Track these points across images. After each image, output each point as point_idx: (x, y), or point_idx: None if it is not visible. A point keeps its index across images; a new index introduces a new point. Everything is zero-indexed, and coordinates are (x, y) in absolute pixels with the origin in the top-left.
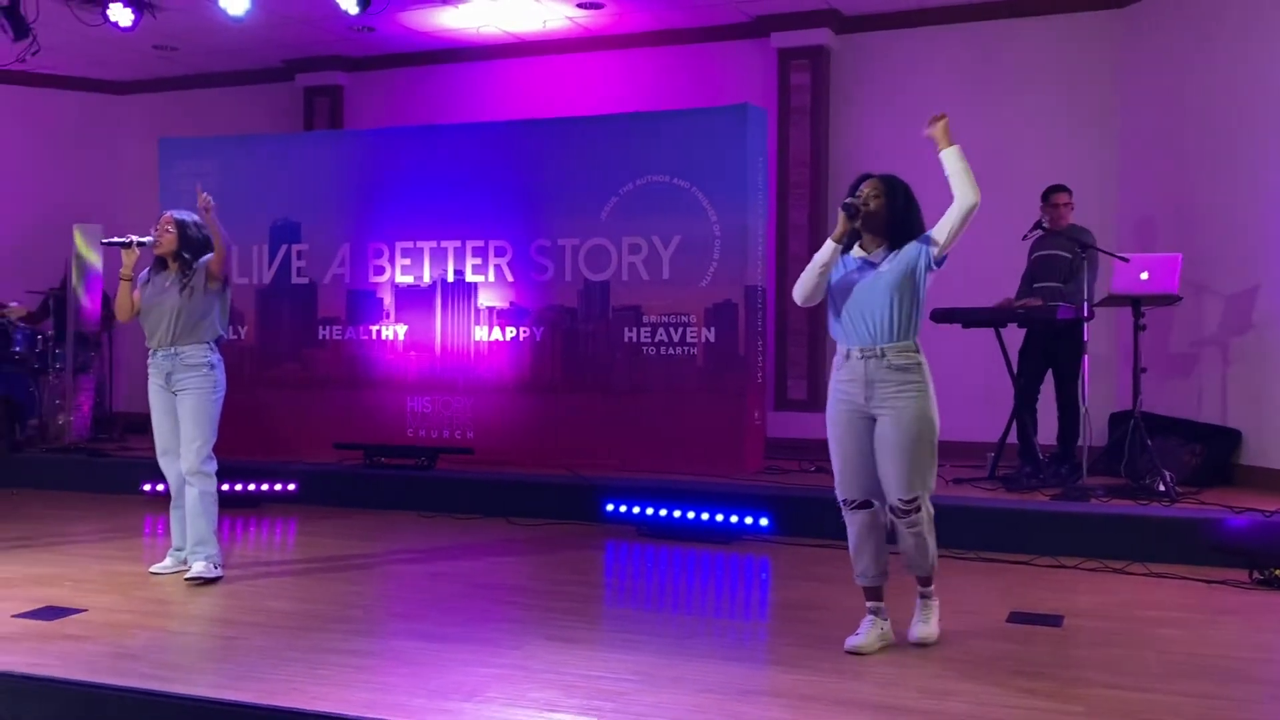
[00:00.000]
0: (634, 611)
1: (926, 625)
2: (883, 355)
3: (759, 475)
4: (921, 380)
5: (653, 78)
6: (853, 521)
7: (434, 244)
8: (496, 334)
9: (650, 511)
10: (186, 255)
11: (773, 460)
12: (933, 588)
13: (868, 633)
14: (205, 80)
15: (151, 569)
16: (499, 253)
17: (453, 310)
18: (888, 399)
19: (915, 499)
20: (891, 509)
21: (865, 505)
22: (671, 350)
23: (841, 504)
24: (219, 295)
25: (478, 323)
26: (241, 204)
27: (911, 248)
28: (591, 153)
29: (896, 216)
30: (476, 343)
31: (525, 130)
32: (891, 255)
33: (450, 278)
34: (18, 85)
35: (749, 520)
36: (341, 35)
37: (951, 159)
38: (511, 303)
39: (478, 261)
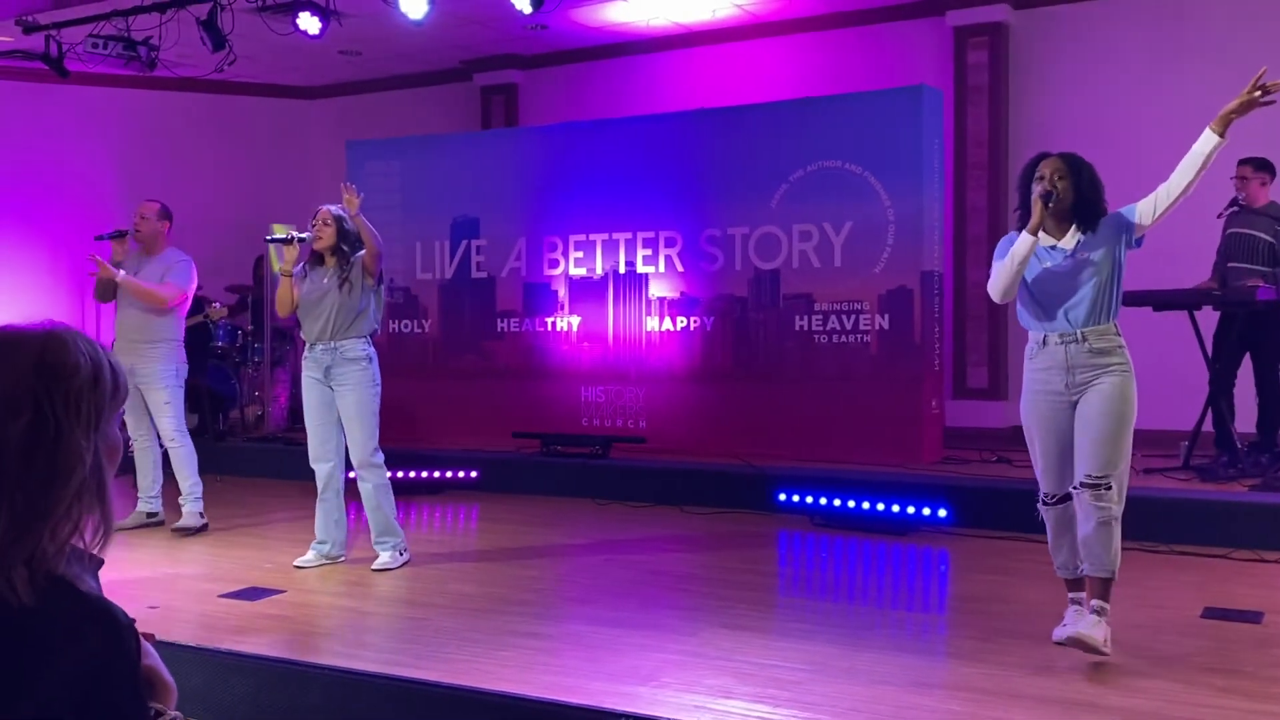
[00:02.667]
0: (808, 601)
1: (1092, 630)
2: (1083, 340)
3: (937, 465)
4: (1124, 361)
5: (823, 62)
6: (1050, 515)
7: (606, 236)
8: (667, 324)
9: (824, 501)
10: (345, 248)
11: (951, 450)
12: (1109, 604)
13: (1075, 621)
14: (387, 83)
15: (295, 563)
16: (669, 243)
17: (624, 301)
18: (1089, 380)
19: (1106, 476)
20: (1080, 484)
21: (1067, 498)
22: (844, 338)
23: (1041, 499)
24: (374, 291)
25: (649, 313)
26: (424, 202)
27: (1108, 228)
28: (761, 140)
29: (1083, 197)
30: (648, 333)
31: (694, 120)
32: (1084, 238)
33: (622, 269)
34: (216, 94)
35: (927, 511)
36: (516, 34)
37: (1210, 143)
38: (682, 293)
39: (648, 253)
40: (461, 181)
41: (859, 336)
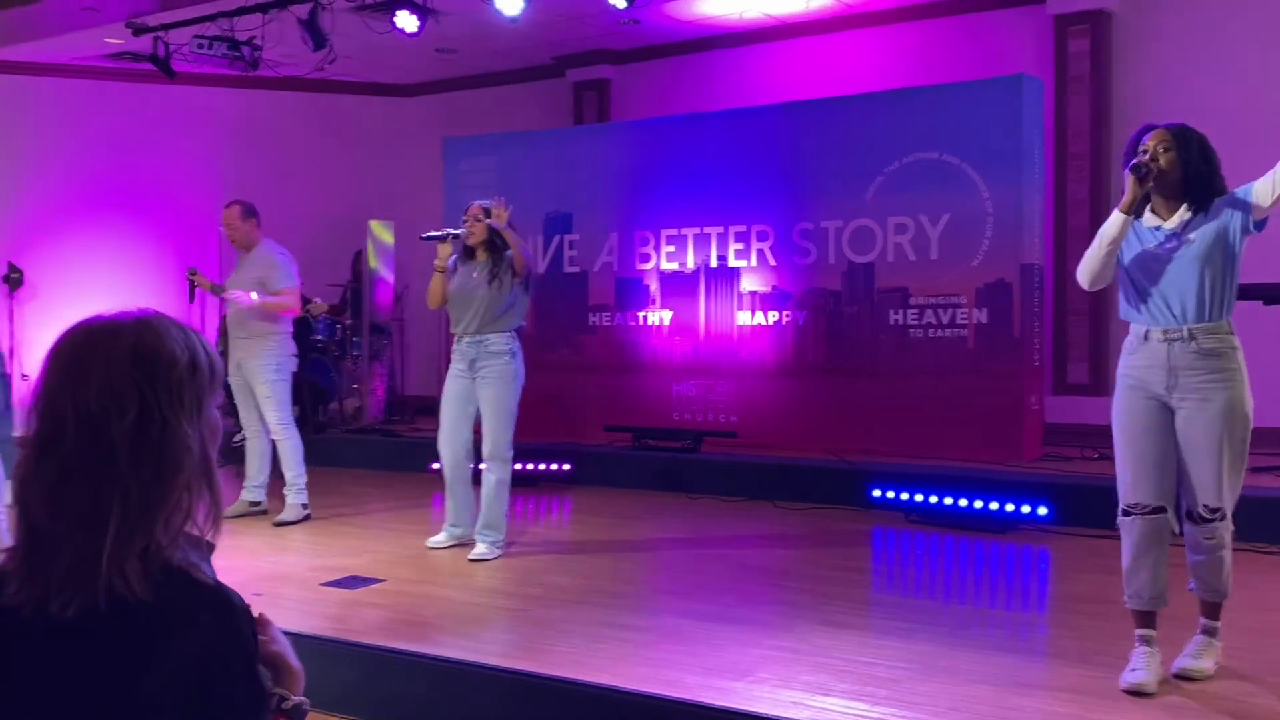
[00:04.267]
0: (904, 599)
1: (1198, 660)
2: (1191, 338)
3: (1037, 462)
4: (1236, 367)
5: (919, 52)
6: (1132, 530)
7: (698, 230)
8: (759, 318)
9: (919, 498)
10: (497, 243)
11: (1051, 447)
12: (1219, 623)
13: (1147, 665)
14: (482, 80)
15: (428, 543)
16: (761, 237)
17: (716, 295)
18: (1195, 389)
19: (1221, 508)
20: (1189, 514)
21: (1156, 511)
22: (940, 332)
23: (1124, 509)
24: (522, 288)
25: (740, 307)
26: (518, 197)
27: (1221, 210)
28: (855, 132)
29: (1192, 172)
30: (739, 327)
31: (787, 113)
32: (1195, 219)
33: (713, 263)
34: (315, 92)
35: (1026, 509)
36: (609, 29)
37: None
38: (774, 287)
39: (740, 246)
40: (554, 177)
41: (956, 331)
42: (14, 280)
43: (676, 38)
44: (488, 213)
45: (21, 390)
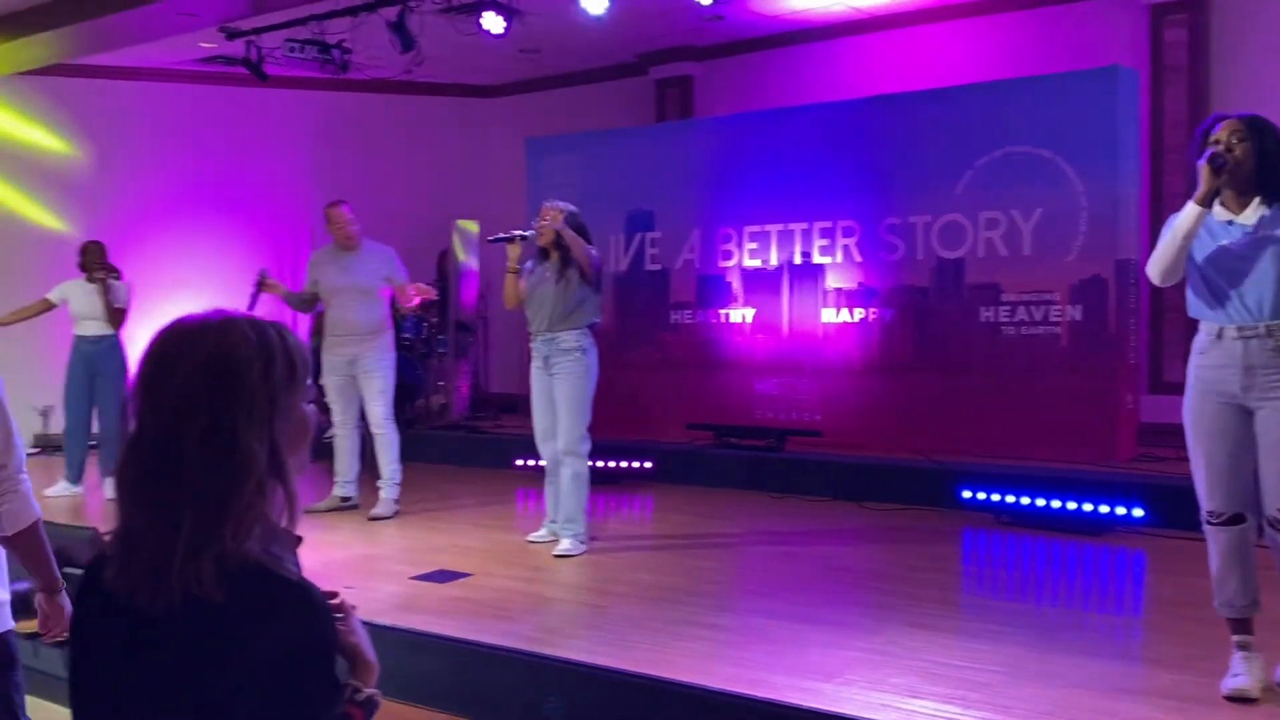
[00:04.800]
0: (996, 601)
1: None
2: (1268, 334)
3: (1132, 463)
4: None
5: (1008, 44)
6: (1218, 539)
7: (781, 227)
8: (844, 315)
9: (1010, 499)
10: (563, 244)
11: (1147, 447)
12: None
13: (1248, 670)
14: (565, 79)
15: (529, 537)
16: (847, 233)
17: (800, 292)
18: (1273, 388)
19: None
20: (1270, 521)
21: (1235, 520)
22: (1033, 330)
23: (1205, 516)
24: (591, 287)
25: (825, 304)
26: (600, 196)
27: None
28: (944, 126)
29: (1268, 164)
30: (824, 324)
31: (873, 107)
32: (1270, 212)
33: (797, 260)
34: (402, 94)
35: (1121, 510)
36: (693, 26)
37: None
38: (860, 283)
39: (825, 243)
40: (636, 175)
41: (1049, 328)
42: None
43: (760, 33)
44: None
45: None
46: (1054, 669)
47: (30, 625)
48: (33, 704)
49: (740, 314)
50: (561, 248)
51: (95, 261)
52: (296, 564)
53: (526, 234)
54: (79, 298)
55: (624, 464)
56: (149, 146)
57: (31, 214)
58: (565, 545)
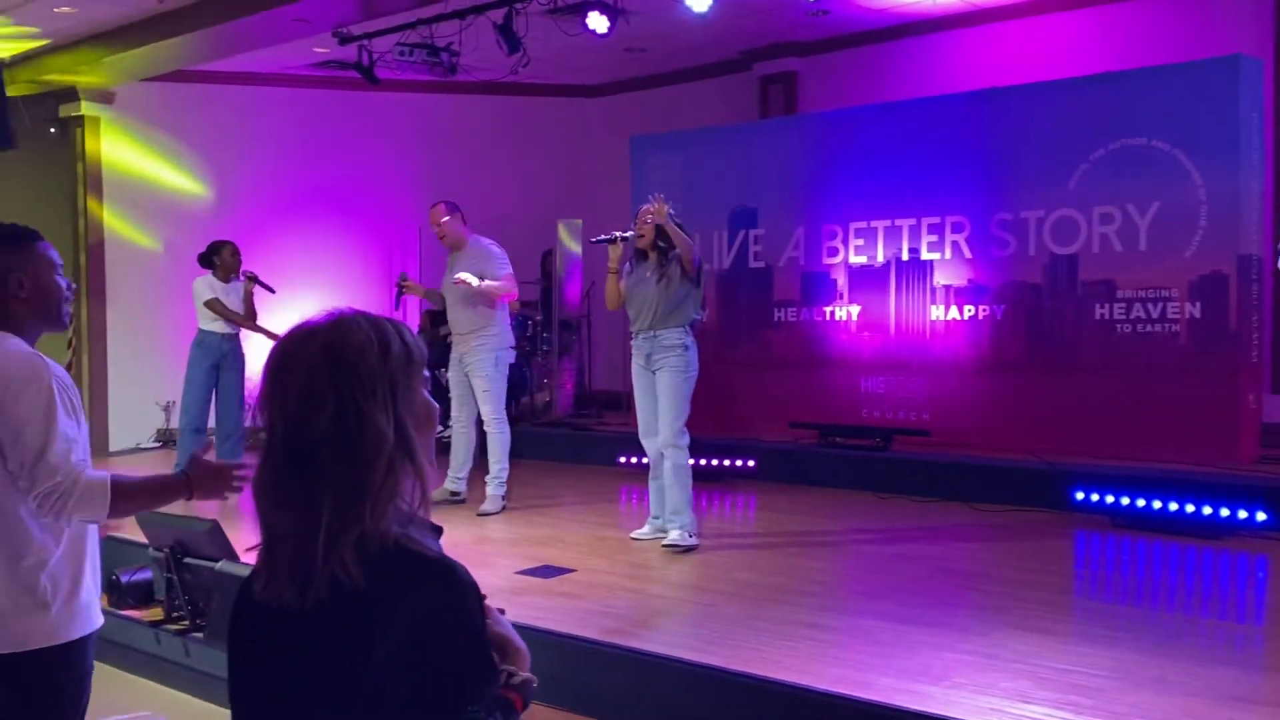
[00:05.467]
0: (1109, 606)
1: None
2: None
3: (1255, 465)
4: None
5: (1123, 34)
6: None
7: (888, 223)
8: (953, 313)
9: (1126, 501)
10: (661, 244)
11: (1270, 449)
12: None
13: None
14: (669, 77)
15: (632, 534)
16: (956, 229)
17: (907, 289)
18: None
19: None
20: None
21: None
22: (1149, 327)
23: None
24: (693, 283)
25: (933, 301)
26: (703, 193)
27: None
28: (1057, 119)
29: None
30: (932, 322)
31: (983, 101)
32: None
33: (905, 256)
34: (509, 95)
35: (1243, 514)
36: (797, 21)
37: None
38: (969, 280)
39: (933, 239)
40: (740, 172)
41: (1166, 325)
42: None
43: (867, 27)
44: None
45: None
46: (1169, 676)
47: (155, 613)
48: (160, 692)
49: (845, 311)
50: (660, 248)
51: (238, 261)
52: (437, 546)
53: (627, 235)
54: (208, 295)
55: (726, 462)
56: (265, 150)
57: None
58: (674, 536)
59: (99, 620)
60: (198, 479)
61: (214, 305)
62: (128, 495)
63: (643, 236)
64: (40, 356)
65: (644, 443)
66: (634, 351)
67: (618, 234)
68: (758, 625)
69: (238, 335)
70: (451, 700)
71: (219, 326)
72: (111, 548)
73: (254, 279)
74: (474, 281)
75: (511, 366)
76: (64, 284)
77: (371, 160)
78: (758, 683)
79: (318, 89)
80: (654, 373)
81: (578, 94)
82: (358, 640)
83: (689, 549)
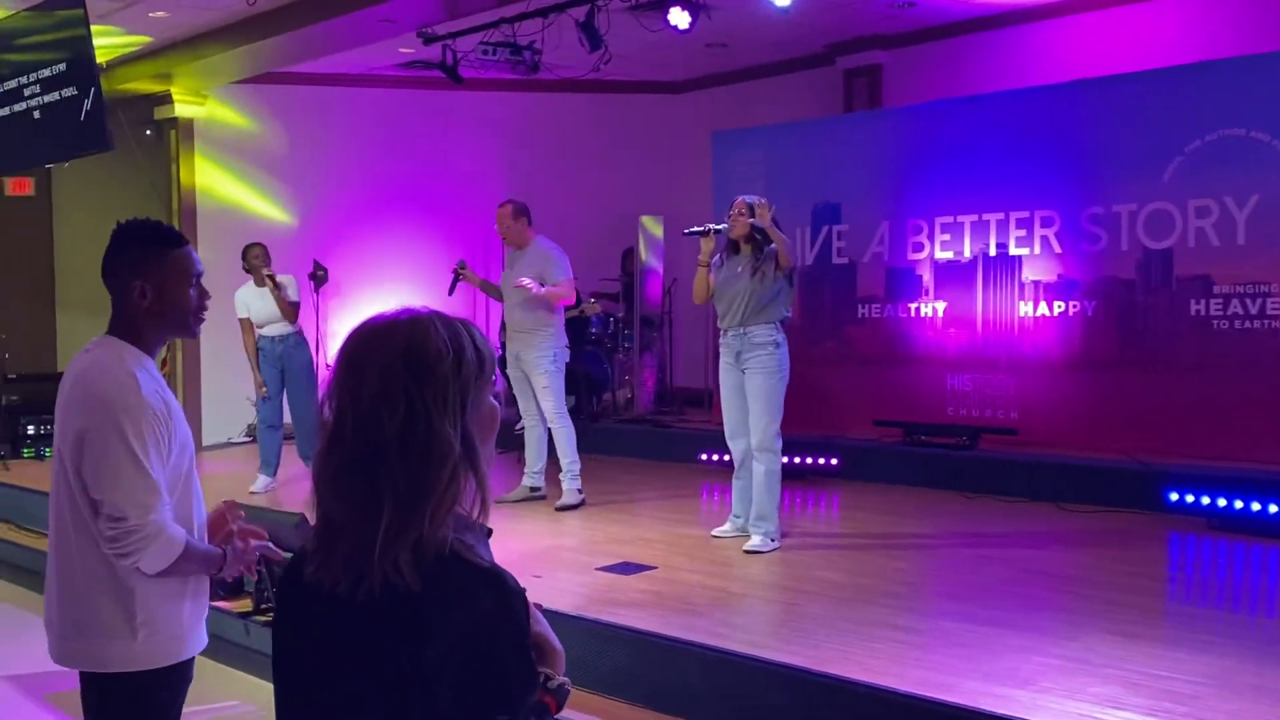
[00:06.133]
0: (1205, 610)
1: None
2: None
3: None
4: None
5: (1218, 22)
6: None
7: (975, 218)
8: (1043, 309)
9: (1223, 502)
10: (758, 236)
11: None
12: None
13: None
14: (751, 72)
15: (713, 532)
16: (1045, 223)
17: (995, 285)
18: None
19: None
20: None
21: None
22: (1248, 324)
23: None
24: (786, 280)
25: (1022, 297)
26: (786, 188)
27: None
28: (1150, 110)
29: None
30: (1020, 318)
31: (1073, 92)
32: None
33: (992, 251)
34: (591, 93)
35: None
36: (882, 14)
37: None
38: (1059, 275)
39: (1022, 234)
40: (823, 167)
41: (1266, 322)
42: (320, 278)
43: (952, 19)
44: (752, 210)
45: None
46: (1267, 683)
47: (244, 604)
48: (248, 682)
49: (931, 307)
50: (755, 240)
51: (260, 263)
52: (489, 553)
53: (720, 228)
54: (254, 303)
55: (809, 460)
56: (353, 150)
57: (256, 208)
58: (755, 541)
59: (194, 648)
60: (231, 559)
61: (244, 328)
62: (187, 558)
63: (735, 227)
64: (138, 378)
65: (730, 444)
66: (723, 349)
67: (710, 226)
68: (840, 625)
69: (294, 333)
70: (495, 705)
71: (271, 330)
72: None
73: (270, 276)
74: (535, 288)
75: (593, 363)
76: (196, 296)
77: (454, 158)
78: (839, 683)
79: (402, 89)
80: (743, 372)
81: (659, 90)
82: (407, 641)
83: (771, 551)
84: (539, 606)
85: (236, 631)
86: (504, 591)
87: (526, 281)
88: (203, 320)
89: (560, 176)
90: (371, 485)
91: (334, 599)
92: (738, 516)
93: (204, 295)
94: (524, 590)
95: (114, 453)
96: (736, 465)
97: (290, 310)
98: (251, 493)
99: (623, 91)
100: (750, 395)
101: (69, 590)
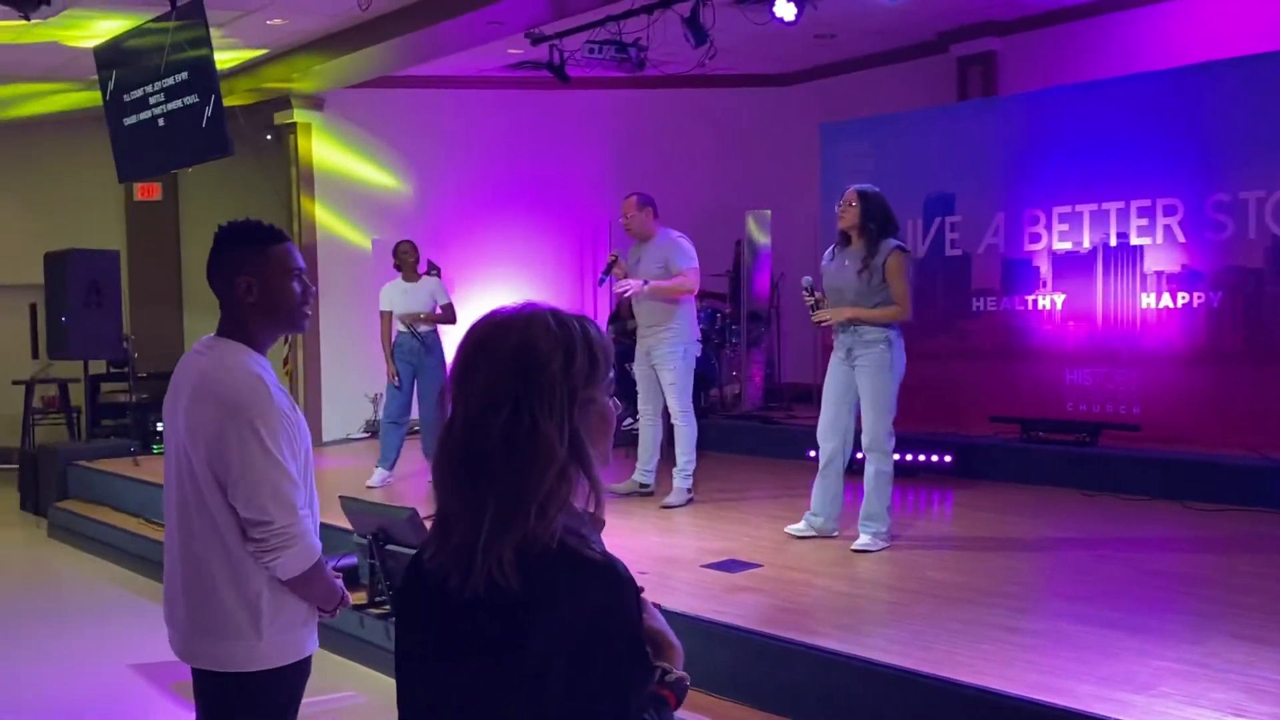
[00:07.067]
0: None
1: None
2: None
3: None
4: None
5: None
6: None
7: (1094, 207)
8: (1166, 300)
9: None
10: (871, 227)
11: None
12: None
13: None
14: (860, 63)
15: (787, 529)
16: (1168, 211)
17: (1115, 276)
18: None
19: None
20: None
21: None
22: None
23: None
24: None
25: (1144, 289)
26: (897, 180)
27: None
28: (1278, 92)
29: None
30: (1143, 310)
31: (1195, 76)
32: None
33: (1112, 241)
34: (697, 88)
35: None
36: (995, 0)
37: None
38: (1183, 266)
39: (1143, 223)
40: (935, 157)
41: None
42: (434, 276)
43: (1067, 3)
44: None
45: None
46: None
47: (359, 597)
48: (364, 674)
49: (1049, 300)
50: (869, 232)
51: (411, 260)
52: (601, 544)
53: (613, 255)
54: (398, 299)
55: (922, 458)
56: (462, 149)
57: (350, 235)
58: (864, 540)
59: (311, 647)
60: (345, 601)
61: (383, 320)
62: (319, 572)
63: (843, 218)
64: (265, 379)
65: (820, 441)
66: (835, 345)
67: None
68: (950, 626)
69: (430, 334)
70: (609, 695)
71: (404, 327)
72: (321, 534)
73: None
74: (638, 287)
75: (700, 359)
76: (300, 289)
77: (563, 156)
78: (948, 686)
79: (511, 89)
80: (854, 369)
81: (766, 84)
82: (513, 635)
83: (881, 550)
84: (657, 606)
85: (352, 624)
86: (614, 581)
87: (631, 285)
88: (308, 315)
89: (667, 172)
90: (479, 481)
91: (446, 590)
92: (815, 515)
93: (307, 288)
94: (634, 580)
95: (253, 455)
96: (822, 464)
97: (447, 311)
98: (368, 486)
99: (728, 86)
100: (862, 393)
101: (194, 592)
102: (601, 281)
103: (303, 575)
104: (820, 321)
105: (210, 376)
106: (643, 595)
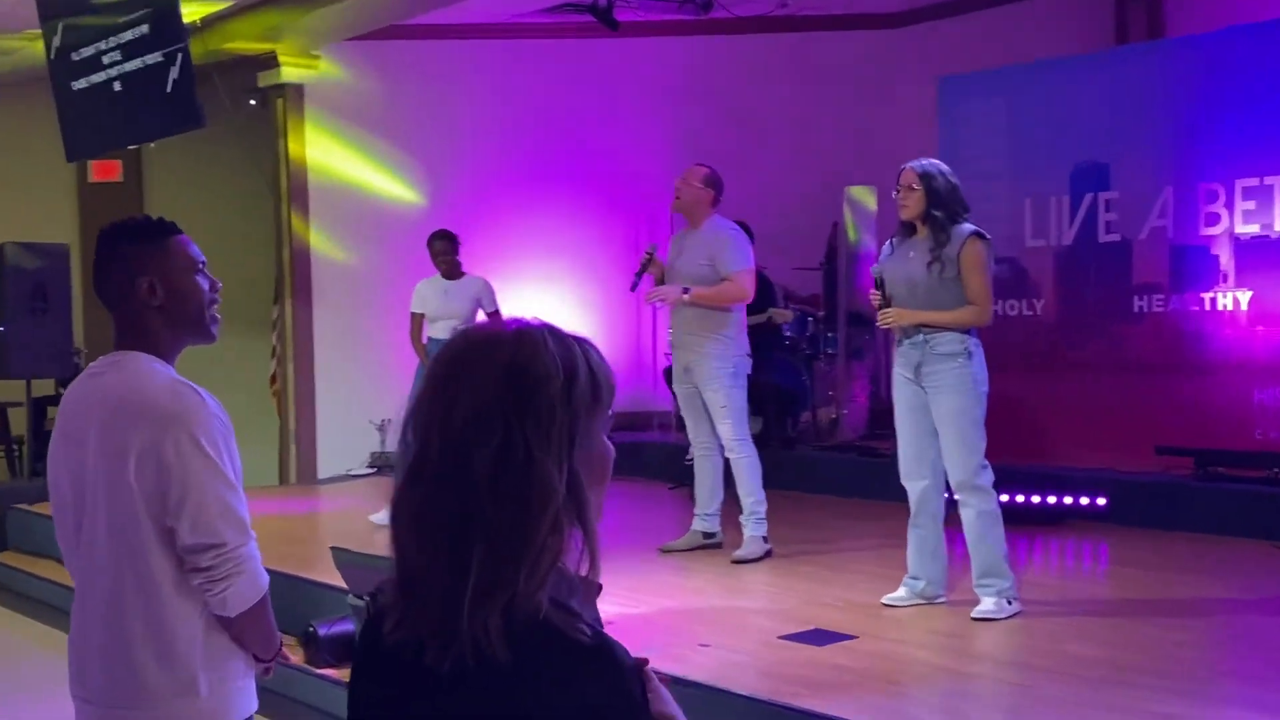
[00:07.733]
0: None
1: None
2: None
3: None
4: None
5: None
6: None
7: None
8: None
9: None
10: (938, 214)
11: None
12: None
13: None
14: (990, 0)
15: (884, 599)
16: None
17: None
18: None
19: None
20: None
21: None
22: None
23: None
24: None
25: None
26: (1035, 146)
27: None
28: None
29: None
30: None
31: None
32: None
33: None
34: (779, 32)
35: None
36: None
37: None
38: None
39: None
40: (1085, 118)
41: None
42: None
43: None
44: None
45: None
46: None
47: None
48: None
49: (1232, 298)
50: (935, 220)
51: (449, 256)
52: (596, 616)
53: (650, 249)
54: (431, 299)
55: (1068, 500)
56: (487, 113)
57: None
58: (987, 606)
59: (251, 705)
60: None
61: (413, 323)
62: (264, 609)
63: (905, 206)
64: (189, 385)
65: (905, 483)
66: (897, 360)
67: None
68: (1092, 714)
69: None
70: None
71: (441, 331)
72: (306, 595)
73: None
74: (675, 294)
75: (790, 375)
76: (206, 284)
77: (612, 121)
78: None
79: (546, 39)
80: (925, 390)
81: (867, 26)
82: (514, 713)
83: (1011, 617)
84: (665, 680)
85: (337, 701)
86: (614, 670)
87: (668, 294)
88: (217, 318)
89: (742, 139)
90: (459, 529)
91: (418, 667)
92: (915, 579)
93: (214, 285)
94: (636, 664)
95: (197, 471)
96: (913, 511)
97: (493, 319)
98: (372, 520)
99: (820, 29)
100: (939, 421)
101: (116, 647)
102: (634, 285)
103: (251, 610)
104: (886, 324)
105: (129, 391)
106: (648, 668)
